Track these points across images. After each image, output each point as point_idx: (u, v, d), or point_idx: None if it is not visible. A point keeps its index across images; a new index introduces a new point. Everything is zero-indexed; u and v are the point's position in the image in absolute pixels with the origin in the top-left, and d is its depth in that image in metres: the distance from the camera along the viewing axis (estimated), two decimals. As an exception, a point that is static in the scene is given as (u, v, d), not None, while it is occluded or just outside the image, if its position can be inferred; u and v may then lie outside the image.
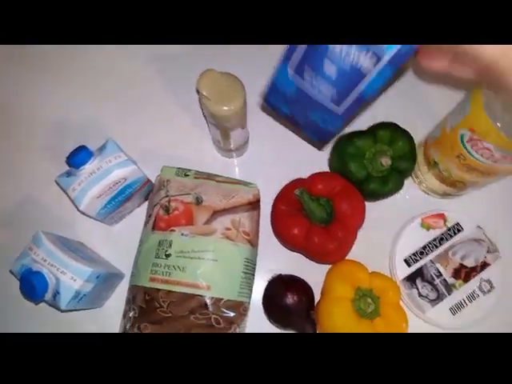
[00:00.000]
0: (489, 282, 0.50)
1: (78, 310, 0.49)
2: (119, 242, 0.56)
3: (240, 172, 0.60)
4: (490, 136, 0.39)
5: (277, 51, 0.39)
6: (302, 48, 0.33)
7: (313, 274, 0.52)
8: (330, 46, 0.31)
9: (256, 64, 0.58)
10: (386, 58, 0.31)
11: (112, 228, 0.57)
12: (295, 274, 0.52)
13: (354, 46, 0.31)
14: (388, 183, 0.52)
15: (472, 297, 0.50)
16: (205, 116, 0.53)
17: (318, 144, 0.41)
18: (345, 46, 0.31)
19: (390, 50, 0.30)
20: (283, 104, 0.40)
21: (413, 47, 0.30)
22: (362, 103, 0.35)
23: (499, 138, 0.39)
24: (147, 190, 0.55)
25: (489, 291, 0.50)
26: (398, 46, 0.30)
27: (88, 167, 0.48)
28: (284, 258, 0.55)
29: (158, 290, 0.46)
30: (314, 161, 0.58)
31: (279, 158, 0.59)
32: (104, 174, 0.48)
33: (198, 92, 0.47)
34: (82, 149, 0.47)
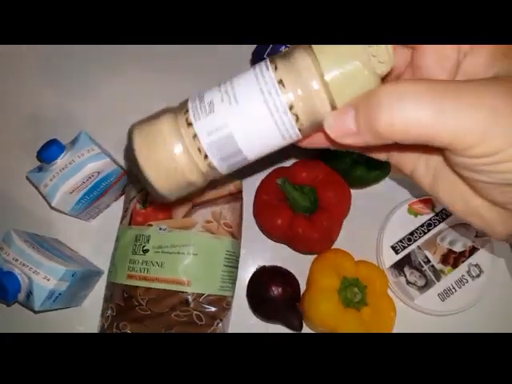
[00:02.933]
0: (478, 266, 0.49)
1: (54, 309, 0.47)
2: (97, 238, 0.54)
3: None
4: None
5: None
6: None
7: (298, 264, 0.50)
8: None
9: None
10: None
11: (89, 223, 0.54)
12: (280, 266, 0.51)
13: None
14: (374, 169, 0.51)
15: (461, 282, 0.48)
16: None
17: None
18: None
19: None
20: None
21: None
22: None
23: None
24: (124, 183, 0.52)
25: (478, 276, 0.49)
26: None
27: (60, 162, 0.45)
28: (269, 250, 0.53)
29: (137, 287, 0.45)
30: (298, 150, 0.56)
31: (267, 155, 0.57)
32: (76, 168, 0.45)
33: None
34: (52, 143, 0.45)
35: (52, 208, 0.46)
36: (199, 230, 0.46)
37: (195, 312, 0.44)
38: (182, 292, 0.44)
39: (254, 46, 0.48)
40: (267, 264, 0.51)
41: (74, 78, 0.59)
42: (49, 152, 0.45)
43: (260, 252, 0.53)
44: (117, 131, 0.56)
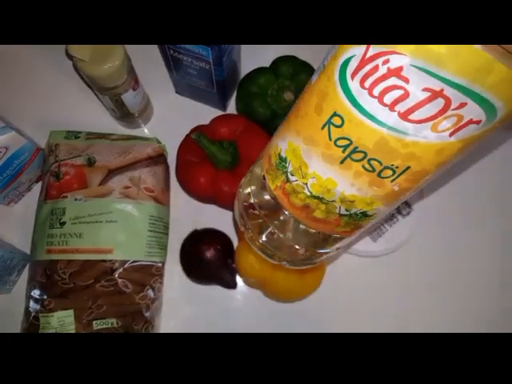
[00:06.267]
0: (407, 204, 0.49)
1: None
2: (22, 223, 0.51)
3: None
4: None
5: None
6: None
7: (232, 224, 0.49)
8: None
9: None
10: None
11: (11, 208, 0.52)
12: (214, 227, 0.50)
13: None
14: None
15: (391, 221, 0.48)
16: (90, 86, 0.49)
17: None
18: None
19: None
20: None
21: None
22: None
23: None
24: (41, 161, 0.50)
25: (408, 214, 0.49)
26: None
27: (-41, 140, 0.43)
28: (202, 213, 0.52)
29: (57, 261, 0.43)
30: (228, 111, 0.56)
31: (194, 117, 0.54)
32: (-22, 145, 0.43)
33: (69, 57, 0.42)
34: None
35: (-42, 191, 0.44)
36: (117, 196, 0.44)
37: (120, 280, 0.43)
38: (105, 261, 0.43)
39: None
40: (202, 227, 0.50)
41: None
42: None
43: (195, 216, 0.52)
44: (36, 113, 0.55)
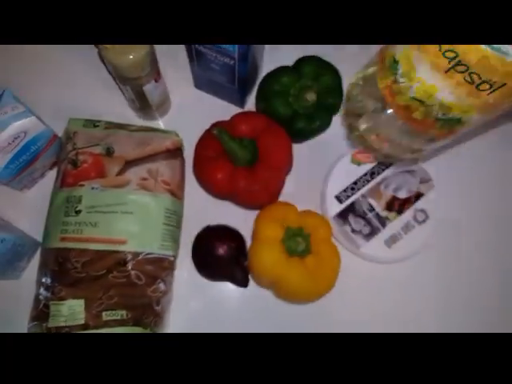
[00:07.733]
0: (423, 211, 0.49)
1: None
2: (33, 209, 0.51)
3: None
4: None
5: None
6: None
7: (246, 221, 0.49)
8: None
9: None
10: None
11: (23, 194, 0.52)
12: (227, 224, 0.49)
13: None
14: (315, 120, 0.50)
15: (407, 228, 0.48)
16: (112, 76, 0.48)
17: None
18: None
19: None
20: None
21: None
22: None
23: None
24: (57, 148, 0.50)
25: (424, 221, 0.48)
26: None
27: (-21, 122, 0.43)
28: (215, 209, 0.52)
29: (70, 249, 0.42)
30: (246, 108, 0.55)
31: (211, 112, 0.52)
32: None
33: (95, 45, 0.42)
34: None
35: (-24, 173, 0.43)
36: (134, 187, 0.44)
37: (133, 271, 0.43)
38: (118, 252, 0.42)
39: None
40: (214, 223, 0.50)
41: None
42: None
43: (206, 212, 0.52)
44: (54, 100, 0.55)
